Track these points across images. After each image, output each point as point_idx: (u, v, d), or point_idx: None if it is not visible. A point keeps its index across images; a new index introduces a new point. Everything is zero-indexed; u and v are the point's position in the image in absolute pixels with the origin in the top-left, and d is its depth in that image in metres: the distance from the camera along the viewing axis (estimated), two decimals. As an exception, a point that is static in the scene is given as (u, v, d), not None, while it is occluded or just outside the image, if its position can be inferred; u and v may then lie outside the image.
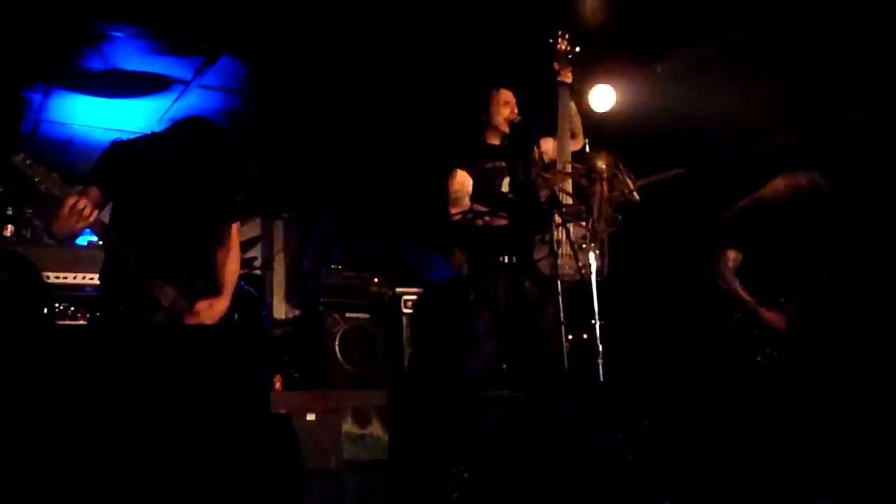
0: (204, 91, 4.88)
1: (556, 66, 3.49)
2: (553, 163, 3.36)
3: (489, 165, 3.49)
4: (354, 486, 4.16)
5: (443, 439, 2.25)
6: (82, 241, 4.60)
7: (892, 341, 3.71)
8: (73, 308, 4.51)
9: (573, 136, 3.50)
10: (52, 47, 4.32)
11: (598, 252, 3.15)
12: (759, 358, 3.67)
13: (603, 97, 4.85)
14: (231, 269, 2.90)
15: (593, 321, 3.04)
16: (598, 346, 3.00)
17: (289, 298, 7.25)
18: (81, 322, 4.49)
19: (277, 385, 5.38)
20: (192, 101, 5.03)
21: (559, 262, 3.06)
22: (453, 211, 3.41)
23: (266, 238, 7.31)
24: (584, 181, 3.14)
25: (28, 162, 2.34)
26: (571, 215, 3.15)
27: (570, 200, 3.23)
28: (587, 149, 3.62)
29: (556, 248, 3.08)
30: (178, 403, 1.86)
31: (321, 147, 6.11)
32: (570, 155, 3.37)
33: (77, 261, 4.51)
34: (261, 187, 6.42)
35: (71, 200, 2.37)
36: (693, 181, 5.36)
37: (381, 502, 3.58)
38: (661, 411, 3.60)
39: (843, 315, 3.86)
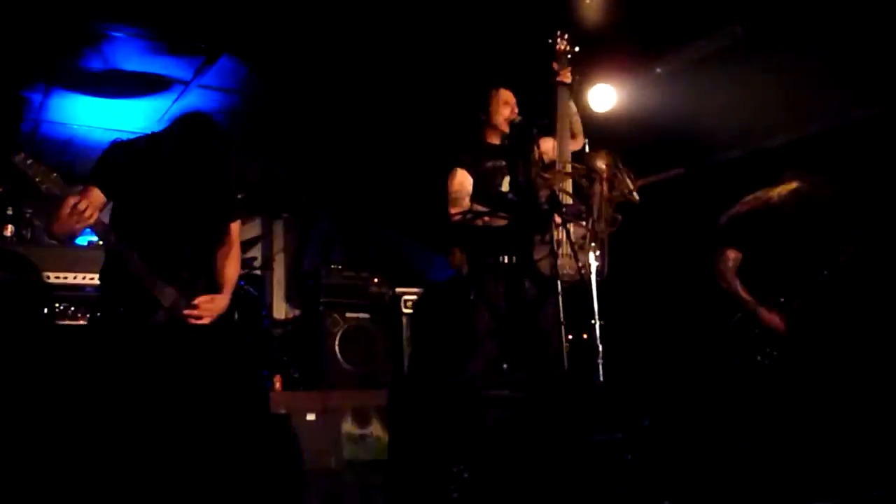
0: (204, 91, 4.88)
1: (555, 66, 3.49)
2: (553, 163, 3.36)
3: (489, 164, 3.49)
4: (354, 486, 4.16)
5: (443, 439, 2.25)
6: (82, 241, 4.60)
7: (891, 341, 3.71)
8: (73, 308, 4.51)
9: (573, 135, 3.50)
10: (53, 47, 4.32)
11: (598, 252, 3.14)
12: (759, 358, 3.67)
13: (603, 97, 4.85)
14: (231, 268, 2.90)
15: (593, 321, 3.04)
16: (598, 346, 3.00)
17: (289, 298, 7.25)
18: (82, 322, 4.49)
19: (277, 385, 5.38)
20: (192, 101, 5.04)
21: (559, 262, 3.05)
22: (453, 211, 3.41)
23: (266, 238, 7.31)
24: (584, 181, 3.14)
25: (29, 162, 2.34)
26: (571, 215, 3.15)
27: (570, 200, 3.23)
28: (587, 149, 3.62)
29: (556, 248, 3.08)
30: (179, 403, 1.86)
31: (321, 147, 6.11)
32: (569, 155, 3.37)
33: (77, 261, 4.51)
34: (261, 187, 6.42)
35: (72, 201, 2.37)
36: (693, 181, 5.36)
37: (381, 502, 3.58)
38: (661, 411, 3.60)
39: (843, 315, 3.86)
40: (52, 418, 1.72)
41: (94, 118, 5.25)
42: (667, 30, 4.35)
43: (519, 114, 3.55)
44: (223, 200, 2.75)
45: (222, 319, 2.74)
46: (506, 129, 3.54)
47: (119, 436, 1.75)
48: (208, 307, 2.68)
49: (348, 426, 4.84)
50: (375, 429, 4.91)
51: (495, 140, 3.59)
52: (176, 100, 5.01)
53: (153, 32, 4.22)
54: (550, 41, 3.50)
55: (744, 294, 3.69)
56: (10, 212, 4.83)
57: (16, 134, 5.16)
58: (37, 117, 5.18)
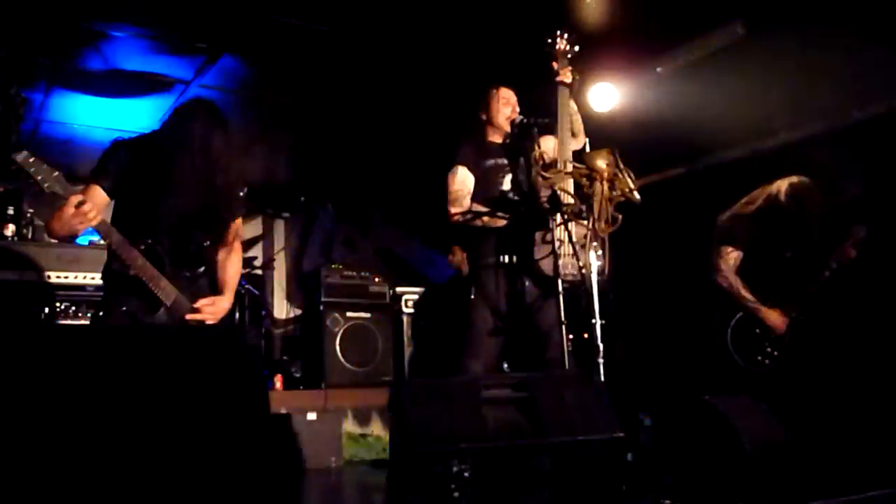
0: (204, 91, 4.88)
1: (555, 65, 3.49)
2: (553, 162, 3.36)
3: (490, 163, 3.49)
4: (354, 486, 4.17)
5: (443, 439, 2.25)
6: (83, 240, 4.60)
7: (892, 342, 3.71)
8: (74, 307, 4.52)
9: (574, 135, 3.50)
10: (53, 47, 4.32)
11: (598, 252, 3.15)
12: (759, 357, 3.67)
13: (604, 96, 4.85)
14: (233, 268, 2.90)
15: (594, 321, 3.04)
16: (598, 346, 3.01)
17: (289, 298, 7.27)
18: (83, 321, 4.50)
19: (278, 384, 5.39)
20: (192, 101, 5.04)
21: (560, 261, 3.06)
22: (453, 211, 3.41)
23: (267, 237, 7.32)
24: (584, 180, 3.14)
25: (31, 160, 2.34)
26: (572, 215, 3.15)
27: (570, 200, 3.23)
28: (588, 148, 3.62)
29: (557, 247, 3.08)
30: (179, 403, 1.86)
31: (322, 146, 6.12)
32: (570, 154, 3.37)
33: (78, 260, 4.52)
34: (261, 187, 6.43)
35: (76, 200, 2.37)
36: (693, 181, 5.36)
37: (381, 502, 3.58)
38: (661, 411, 3.61)
39: (844, 316, 3.86)
40: (52, 417, 1.72)
41: (95, 118, 5.26)
42: (667, 29, 4.35)
43: (520, 113, 3.55)
44: (225, 198, 2.74)
45: (223, 319, 2.74)
46: (507, 128, 3.54)
47: (119, 435, 1.75)
48: (211, 310, 2.68)
49: (348, 426, 4.85)
50: (375, 428, 4.92)
51: (496, 139, 3.59)
52: (176, 100, 5.02)
53: (153, 32, 4.22)
54: (550, 41, 3.50)
55: (744, 293, 3.69)
56: (10, 211, 4.83)
57: (17, 133, 5.16)
58: (37, 117, 5.19)
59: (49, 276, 4.47)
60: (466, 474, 2.24)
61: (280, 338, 6.98)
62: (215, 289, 2.80)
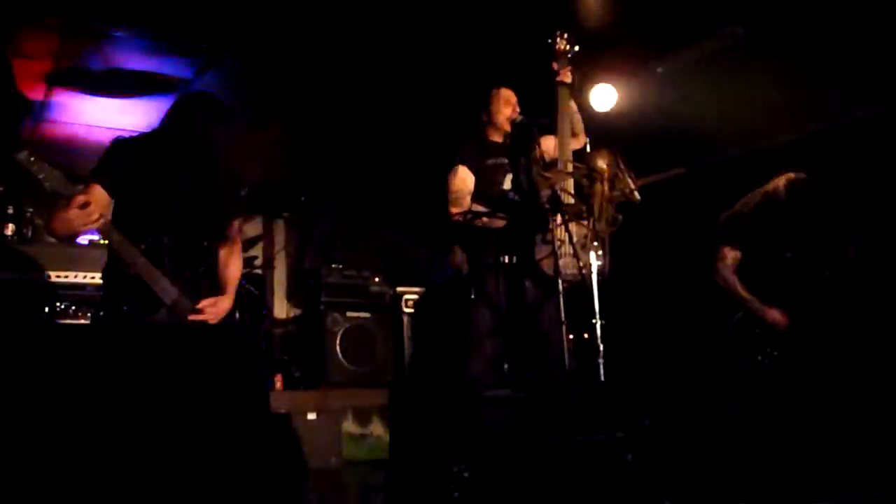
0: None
1: (555, 65, 3.49)
2: (554, 162, 3.37)
3: (491, 162, 3.50)
4: (354, 486, 4.17)
5: (443, 439, 2.25)
6: (83, 239, 4.60)
7: (892, 341, 3.71)
8: (74, 307, 4.51)
9: (574, 135, 3.50)
10: (53, 46, 4.32)
11: (599, 252, 3.15)
12: (759, 357, 3.67)
13: (604, 97, 4.86)
14: (233, 267, 2.90)
15: (594, 321, 3.04)
16: (598, 346, 3.01)
17: (290, 297, 7.27)
18: (83, 321, 4.49)
19: (278, 384, 5.38)
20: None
21: (561, 261, 3.06)
22: (453, 211, 3.41)
23: (267, 237, 7.32)
24: (584, 180, 3.14)
25: (32, 159, 2.34)
26: (572, 215, 3.15)
27: (571, 200, 3.23)
28: (588, 148, 3.62)
29: (557, 247, 3.08)
30: (179, 402, 1.86)
31: (322, 146, 6.12)
32: (570, 154, 3.37)
33: (78, 259, 4.52)
34: (261, 187, 6.43)
35: (80, 201, 2.37)
36: (693, 181, 5.36)
37: (381, 502, 3.58)
38: (661, 411, 3.60)
39: (845, 316, 3.86)
40: (53, 417, 1.72)
41: (95, 118, 5.26)
42: (667, 30, 4.36)
43: (520, 113, 3.55)
44: (226, 197, 2.74)
45: (224, 318, 2.74)
46: (507, 127, 3.54)
47: (119, 435, 1.75)
48: (213, 310, 2.68)
49: (349, 426, 4.85)
50: (375, 428, 4.92)
51: (497, 139, 3.59)
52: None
53: (154, 32, 4.22)
54: (550, 41, 3.50)
55: (744, 293, 3.69)
56: (10, 210, 4.83)
57: (17, 132, 5.16)
58: (37, 117, 5.19)
59: (49, 276, 4.46)
60: (466, 474, 2.24)
61: (280, 338, 6.98)
62: (216, 288, 2.80)
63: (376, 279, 5.73)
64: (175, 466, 1.79)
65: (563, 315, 2.97)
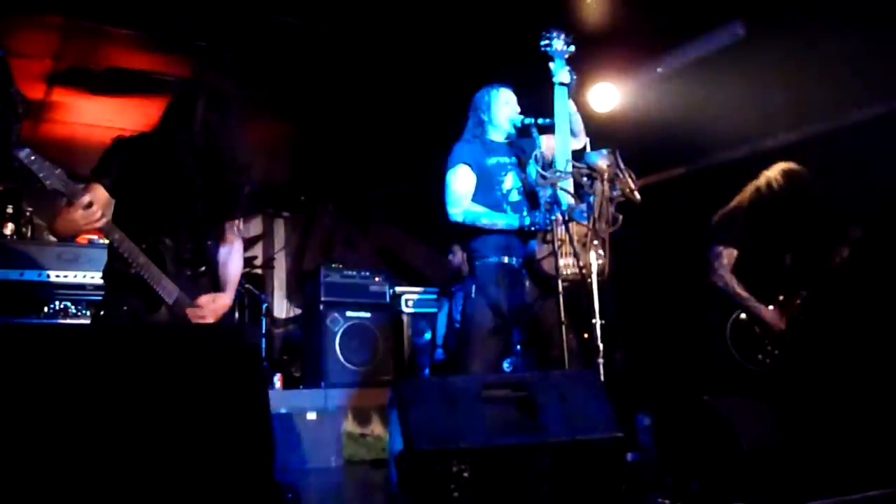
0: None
1: (552, 66, 3.48)
2: (554, 161, 3.36)
3: (492, 162, 3.50)
4: (354, 486, 4.17)
5: (443, 439, 2.25)
6: (83, 239, 4.60)
7: (891, 341, 3.71)
8: (74, 306, 4.52)
9: (574, 135, 3.50)
10: (53, 46, 4.32)
11: (599, 251, 3.15)
12: (760, 356, 3.67)
13: (604, 97, 4.86)
14: (234, 266, 2.90)
15: (594, 321, 3.04)
16: (598, 346, 3.00)
17: (290, 297, 7.27)
18: (83, 320, 4.49)
19: (278, 384, 5.39)
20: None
21: (561, 261, 3.05)
22: (453, 210, 3.41)
23: (267, 237, 7.33)
24: (584, 181, 3.14)
25: (33, 157, 2.33)
26: (572, 215, 3.15)
27: (571, 200, 3.23)
28: (588, 148, 3.62)
29: (557, 247, 3.08)
30: (179, 402, 1.86)
31: (322, 146, 6.12)
32: (570, 154, 3.37)
33: (78, 259, 4.52)
34: (261, 187, 6.43)
35: (84, 201, 2.36)
36: (693, 181, 5.36)
37: (381, 502, 3.59)
38: (661, 411, 3.61)
39: (844, 315, 3.86)
40: (53, 417, 1.72)
41: (95, 117, 5.25)
42: (667, 29, 4.36)
43: (520, 112, 3.55)
44: (229, 194, 2.74)
45: (224, 317, 2.74)
46: (507, 127, 3.55)
47: (119, 434, 1.75)
48: (212, 307, 2.68)
49: (348, 426, 4.85)
50: (375, 428, 4.92)
51: (497, 138, 3.59)
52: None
53: (154, 31, 4.22)
54: (547, 41, 3.49)
55: (740, 292, 3.69)
56: (10, 210, 4.83)
57: (17, 132, 5.16)
58: (37, 117, 5.19)
59: (49, 275, 4.47)
60: (466, 474, 2.24)
61: (280, 337, 6.99)
62: (217, 287, 2.80)
63: (376, 279, 5.73)
64: (174, 466, 1.79)
65: (563, 315, 2.97)
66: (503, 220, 3.34)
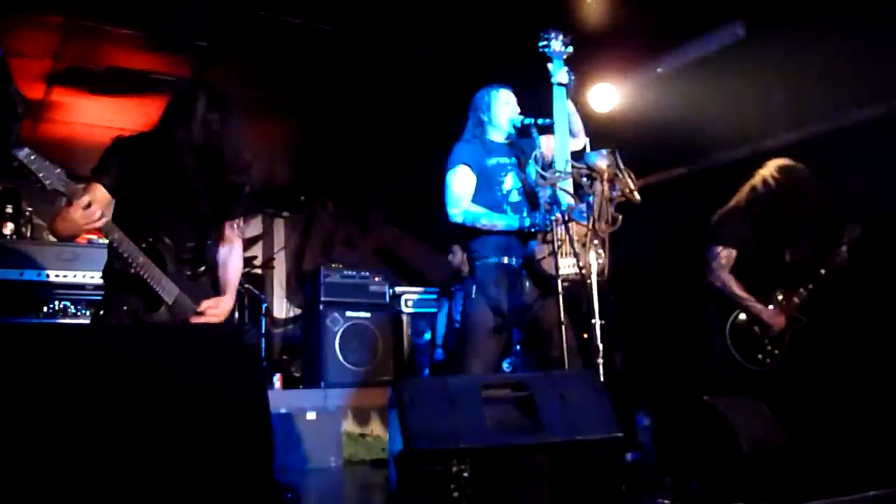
0: (204, 90, 4.88)
1: (550, 66, 3.48)
2: (553, 162, 3.36)
3: (492, 162, 3.50)
4: (354, 486, 4.17)
5: (443, 439, 2.25)
6: (83, 238, 4.60)
7: (891, 341, 3.71)
8: (73, 306, 4.52)
9: (574, 135, 3.50)
10: (53, 46, 4.32)
11: (598, 252, 3.14)
12: (759, 356, 3.67)
13: (604, 97, 4.86)
14: (234, 266, 2.90)
15: (593, 321, 3.04)
16: (598, 346, 3.00)
17: (289, 297, 7.27)
18: (82, 320, 4.50)
19: (278, 384, 5.39)
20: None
21: (561, 261, 3.05)
22: (453, 211, 3.41)
23: (267, 237, 7.34)
24: (584, 181, 3.14)
25: (32, 157, 2.33)
26: (571, 215, 3.15)
27: (570, 200, 3.23)
28: (588, 148, 3.62)
29: (557, 247, 3.08)
30: (178, 402, 1.86)
31: (322, 146, 6.12)
32: (570, 154, 3.37)
33: (78, 259, 4.52)
34: (261, 187, 6.43)
35: (84, 201, 2.36)
36: (693, 181, 5.36)
37: (380, 502, 3.59)
38: (661, 411, 3.61)
39: (844, 314, 3.86)
40: (53, 416, 1.72)
41: (95, 117, 5.25)
42: (667, 29, 4.36)
43: (520, 112, 3.56)
44: (229, 194, 2.73)
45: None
46: (507, 127, 3.55)
47: (118, 434, 1.75)
48: (215, 311, 2.68)
49: (348, 426, 4.85)
50: (375, 428, 4.92)
51: (497, 139, 3.59)
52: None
53: (153, 31, 4.22)
54: (545, 42, 3.49)
55: (739, 292, 3.69)
56: (9, 210, 4.83)
57: (17, 132, 5.16)
58: (37, 117, 5.19)
59: (48, 275, 4.47)
60: (466, 474, 2.24)
61: (280, 337, 6.99)
62: (216, 287, 2.80)
63: (376, 279, 5.73)
64: (174, 466, 1.79)
65: (563, 315, 2.97)
66: (503, 221, 3.34)
